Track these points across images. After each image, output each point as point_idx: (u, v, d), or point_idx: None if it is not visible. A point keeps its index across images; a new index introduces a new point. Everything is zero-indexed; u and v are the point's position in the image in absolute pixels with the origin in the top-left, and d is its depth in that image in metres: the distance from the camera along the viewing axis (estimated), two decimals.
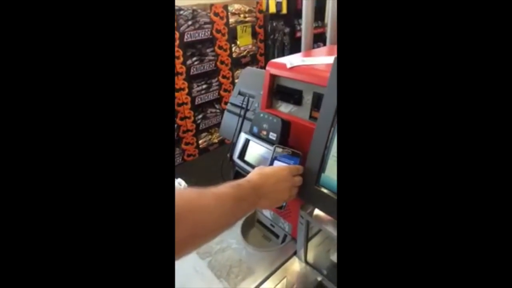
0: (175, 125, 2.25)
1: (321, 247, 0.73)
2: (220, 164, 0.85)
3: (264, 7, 2.52)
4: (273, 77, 0.72)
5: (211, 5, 2.14)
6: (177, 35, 2.01)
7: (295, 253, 0.75)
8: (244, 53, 2.51)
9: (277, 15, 2.65)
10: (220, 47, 2.30)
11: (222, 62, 2.36)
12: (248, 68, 0.94)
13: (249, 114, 0.81)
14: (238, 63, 2.49)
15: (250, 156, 0.68)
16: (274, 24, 2.65)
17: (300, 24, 2.71)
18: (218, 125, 2.49)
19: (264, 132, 0.65)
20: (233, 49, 2.40)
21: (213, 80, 2.39)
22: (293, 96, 0.68)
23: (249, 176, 0.53)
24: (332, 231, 0.57)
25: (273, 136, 0.63)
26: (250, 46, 2.53)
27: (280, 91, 0.72)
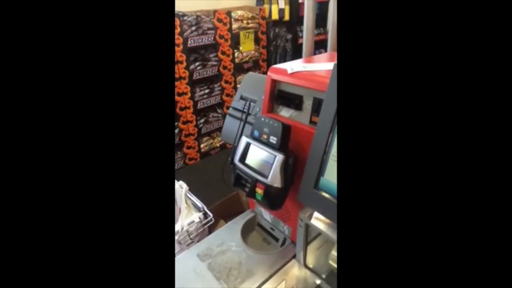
0: (177, 129, 2.27)
1: (320, 250, 0.74)
2: (221, 167, 0.87)
3: (267, 14, 2.55)
4: (274, 82, 0.73)
5: (215, 11, 2.17)
6: (180, 40, 2.03)
7: (294, 257, 0.75)
8: (247, 58, 2.54)
9: (280, 22, 2.68)
10: (223, 53, 2.32)
11: (224, 67, 2.38)
12: (250, 73, 0.96)
13: (250, 119, 0.82)
14: (240, 69, 2.51)
15: (250, 160, 0.68)
16: (277, 30, 2.68)
17: (302, 31, 2.72)
18: (220, 129, 2.51)
19: (265, 136, 0.66)
20: (235, 54, 2.43)
21: (216, 85, 2.41)
22: (294, 101, 0.69)
23: None
24: (331, 234, 0.57)
25: (273, 140, 0.64)
26: (252, 52, 2.55)
27: (281, 96, 0.73)
